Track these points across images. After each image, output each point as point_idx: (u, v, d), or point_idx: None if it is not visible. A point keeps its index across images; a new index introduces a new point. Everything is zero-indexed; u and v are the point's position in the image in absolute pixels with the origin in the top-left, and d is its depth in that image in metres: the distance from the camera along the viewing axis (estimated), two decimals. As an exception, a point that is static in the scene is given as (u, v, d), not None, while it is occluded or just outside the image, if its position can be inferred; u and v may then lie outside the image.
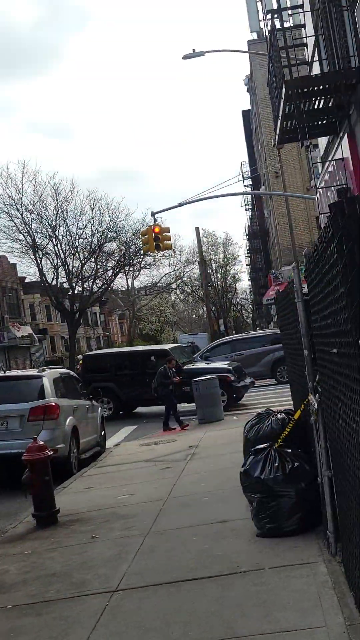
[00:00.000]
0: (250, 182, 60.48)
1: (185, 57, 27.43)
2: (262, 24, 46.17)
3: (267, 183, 50.40)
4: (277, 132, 15.24)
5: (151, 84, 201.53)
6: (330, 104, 13.63)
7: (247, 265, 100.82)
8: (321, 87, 12.94)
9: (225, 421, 20.63)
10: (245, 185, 63.79)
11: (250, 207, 72.19)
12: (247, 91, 59.43)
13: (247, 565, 6.74)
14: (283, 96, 12.92)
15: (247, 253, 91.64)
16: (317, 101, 13.39)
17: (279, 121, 14.56)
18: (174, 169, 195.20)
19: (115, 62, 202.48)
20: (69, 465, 14.38)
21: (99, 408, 18.37)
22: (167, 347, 26.48)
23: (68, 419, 14.71)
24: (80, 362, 29.17)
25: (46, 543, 8.86)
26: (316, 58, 15.50)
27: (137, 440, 19.28)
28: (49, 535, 9.22)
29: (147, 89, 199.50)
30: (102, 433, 18.23)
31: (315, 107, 13.72)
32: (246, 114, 62.80)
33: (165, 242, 30.99)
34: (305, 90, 12.61)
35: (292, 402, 11.32)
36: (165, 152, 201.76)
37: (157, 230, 30.62)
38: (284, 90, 12.68)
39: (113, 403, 24.49)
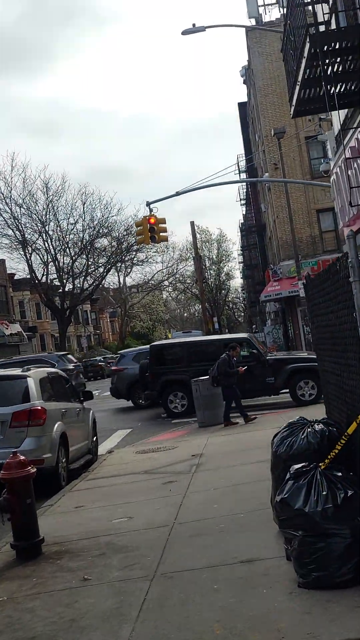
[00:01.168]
0: (246, 176, 58.62)
1: (184, 33, 25.63)
2: (260, 10, 44.69)
3: (264, 175, 48.65)
4: (294, 102, 13.51)
5: (142, 80, 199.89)
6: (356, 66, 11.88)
7: (240, 262, 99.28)
8: (349, 45, 11.19)
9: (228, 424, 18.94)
10: (240, 179, 62.00)
11: (245, 202, 70.44)
12: (244, 83, 57.71)
13: (294, 635, 4.99)
14: (305, 55, 11.16)
15: (241, 250, 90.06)
16: (344, 63, 11.63)
17: (297, 88, 12.81)
18: (166, 166, 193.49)
19: (103, 59, 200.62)
20: (56, 477, 12.64)
21: (91, 411, 16.62)
22: (245, 334, 24.48)
23: (56, 425, 12.97)
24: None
25: (27, 585, 7.09)
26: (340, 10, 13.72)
27: (132, 447, 17.53)
28: (31, 573, 7.46)
29: (139, 85, 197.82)
30: (94, 439, 16.50)
31: (341, 69, 11.96)
32: (242, 106, 61.11)
33: (161, 233, 29.23)
34: (333, 47, 10.85)
35: (324, 409, 9.57)
36: (158, 149, 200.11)
37: (152, 221, 28.87)
38: (307, 47, 10.92)
39: (188, 398, 21.88)
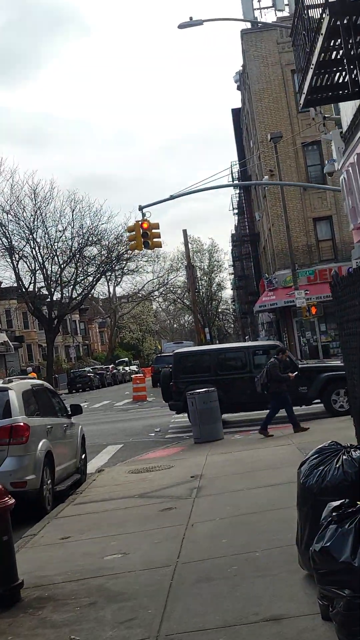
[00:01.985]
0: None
1: (181, 26, 24.47)
2: (256, 13, 43.69)
3: (264, 179, 47.53)
4: (305, 90, 12.28)
5: (130, 90, 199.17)
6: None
7: (230, 274, 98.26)
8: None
9: (225, 441, 17.73)
10: (234, 187, 60.96)
11: (237, 211, 69.32)
12: (238, 89, 56.65)
13: None
14: (323, 31, 9.95)
15: (232, 261, 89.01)
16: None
17: (310, 73, 11.61)
18: (156, 176, 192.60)
19: (90, 69, 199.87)
20: (41, 501, 11.35)
21: (80, 426, 15.32)
22: (272, 342, 23.04)
23: (41, 443, 11.69)
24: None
25: (0, 646, 5.81)
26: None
27: (124, 465, 16.23)
28: (6, 629, 6.16)
29: (127, 94, 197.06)
30: (83, 456, 15.19)
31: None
32: (236, 113, 60.05)
33: (154, 239, 27.99)
34: (356, 20, 9.62)
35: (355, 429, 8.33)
36: (146, 159, 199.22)
37: (145, 226, 27.63)
38: (326, 20, 9.71)
39: None
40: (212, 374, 21.04)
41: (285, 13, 42.71)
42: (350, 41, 9.39)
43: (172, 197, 27.62)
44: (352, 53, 9.64)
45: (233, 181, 54.70)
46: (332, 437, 15.32)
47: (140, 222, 27.63)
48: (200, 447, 17.17)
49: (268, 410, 17.88)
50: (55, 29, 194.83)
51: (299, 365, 20.81)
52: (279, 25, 32.41)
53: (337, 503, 5.12)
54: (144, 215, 27.87)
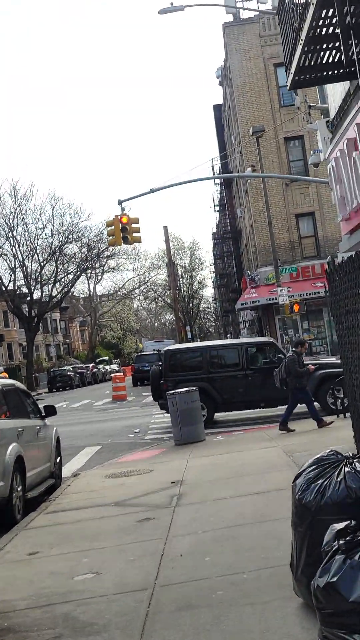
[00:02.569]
0: (221, 180, 56.84)
1: (161, 12, 23.63)
2: (238, 4, 42.88)
3: (241, 179, 46.82)
4: (293, 69, 11.50)
5: (111, 85, 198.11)
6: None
7: (211, 272, 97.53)
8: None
9: (207, 442, 16.95)
10: (216, 184, 60.28)
11: (219, 208, 68.56)
12: (220, 84, 55.93)
13: None
14: (315, 0, 9.16)
15: (213, 259, 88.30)
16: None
17: (299, 50, 10.83)
18: (136, 175, 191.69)
19: (66, 62, 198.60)
20: (10, 510, 10.51)
21: (54, 428, 14.48)
22: (265, 339, 22.30)
23: (10, 447, 10.86)
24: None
25: None
26: None
27: (101, 468, 15.42)
28: None
29: (107, 88, 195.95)
30: (58, 460, 14.34)
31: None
32: (217, 109, 59.31)
33: (134, 234, 27.14)
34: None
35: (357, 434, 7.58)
36: (130, 156, 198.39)
37: (124, 220, 26.79)
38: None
39: (207, 408, 19.73)
40: (204, 372, 20.33)
41: (268, 6, 42.00)
42: (345, 10, 8.59)
43: (152, 191, 26.79)
44: (347, 22, 8.84)
45: (214, 179, 53.95)
46: (324, 438, 14.65)
47: (119, 217, 26.78)
48: (181, 449, 16.40)
49: (286, 405, 17.21)
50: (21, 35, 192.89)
51: None
52: (264, 11, 31.52)
53: (341, 525, 4.36)
54: (123, 209, 27.03)
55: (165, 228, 47.61)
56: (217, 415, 21.26)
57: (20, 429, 11.57)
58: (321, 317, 41.41)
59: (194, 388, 17.83)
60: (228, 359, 20.80)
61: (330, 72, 11.99)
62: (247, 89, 41.92)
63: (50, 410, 14.01)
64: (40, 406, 14.15)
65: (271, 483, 10.47)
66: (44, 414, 13.78)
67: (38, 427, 12.91)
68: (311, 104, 20.75)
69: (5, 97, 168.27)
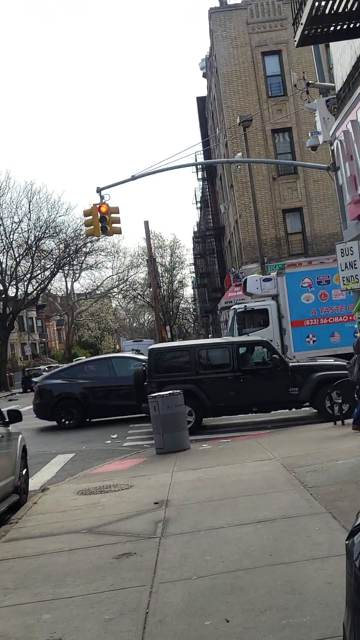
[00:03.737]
0: (205, 173, 55.08)
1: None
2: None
3: (225, 172, 45.14)
4: (303, 19, 9.76)
5: (91, 81, 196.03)
6: None
7: (191, 272, 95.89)
8: None
9: (192, 452, 15.22)
10: (199, 179, 58.56)
11: (200, 205, 66.81)
12: (204, 76, 54.22)
13: None
14: None
15: (193, 258, 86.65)
16: None
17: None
18: (116, 170, 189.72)
19: (47, 53, 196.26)
20: None
21: (20, 436, 12.65)
22: (257, 338, 20.65)
23: None
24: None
25: None
26: None
27: (73, 480, 13.59)
28: None
29: (87, 85, 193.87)
30: (24, 471, 12.51)
31: None
32: (201, 101, 57.57)
33: (113, 224, 25.30)
34: None
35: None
36: (110, 152, 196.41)
37: (103, 209, 24.92)
38: None
39: (195, 413, 18.26)
40: (192, 373, 18.60)
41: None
42: None
43: (134, 177, 24.97)
44: None
45: (197, 172, 52.26)
46: (325, 449, 12.97)
47: (98, 206, 24.93)
48: (164, 459, 14.64)
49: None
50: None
51: (290, 364, 18.51)
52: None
53: None
54: (102, 197, 25.17)
55: (146, 223, 45.79)
56: (203, 420, 19.55)
57: (-24, 439, 9.74)
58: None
59: (178, 391, 16.07)
60: (218, 359, 19.07)
61: (344, 26, 10.28)
62: (234, 78, 40.23)
63: (15, 416, 12.17)
64: (4, 410, 12.33)
65: (275, 508, 8.72)
66: (7, 420, 11.96)
67: (0, 436, 11.07)
68: (310, 82, 19.08)
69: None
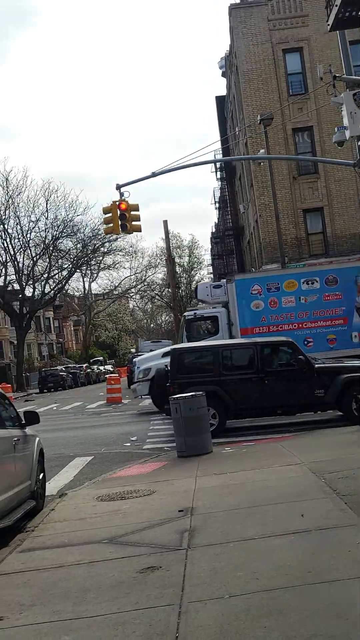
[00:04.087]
0: (225, 173, 54.46)
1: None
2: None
3: (245, 171, 44.56)
4: (338, 1, 9.20)
5: (108, 82, 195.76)
6: None
7: (209, 274, 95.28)
8: None
9: (215, 455, 14.72)
10: (217, 179, 58.00)
11: (219, 206, 66.22)
12: (223, 75, 53.63)
13: None
14: None
15: (211, 259, 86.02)
16: None
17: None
18: (134, 174, 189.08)
19: (65, 59, 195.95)
20: (-28, 548, 8.20)
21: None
22: (283, 338, 20.18)
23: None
24: None
25: None
26: None
27: (92, 486, 13.09)
28: None
29: (104, 86, 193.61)
30: (41, 476, 12.03)
31: None
32: (220, 101, 56.97)
33: (133, 222, 24.84)
34: None
35: None
36: (120, 157, 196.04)
37: (123, 206, 24.48)
38: None
39: (219, 415, 17.74)
40: (216, 374, 18.10)
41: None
42: None
43: (154, 174, 24.48)
44: None
45: (217, 171, 51.70)
46: (354, 452, 12.37)
47: (117, 203, 24.47)
48: (186, 463, 14.14)
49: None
50: (19, 19, 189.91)
51: (315, 365, 17.96)
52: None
53: None
54: (122, 195, 24.72)
55: (165, 222, 45.39)
56: (234, 422, 19.09)
57: (-9, 442, 9.25)
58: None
59: (201, 393, 15.57)
60: (242, 359, 18.56)
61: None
62: (254, 76, 39.63)
63: (32, 418, 11.69)
64: (20, 412, 11.86)
65: (308, 518, 8.17)
66: (23, 422, 11.48)
67: (15, 439, 10.57)
68: (336, 75, 18.49)
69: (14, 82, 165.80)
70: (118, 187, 24.69)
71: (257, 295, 26.36)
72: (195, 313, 28.10)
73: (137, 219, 24.91)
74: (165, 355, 27.06)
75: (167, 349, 29.45)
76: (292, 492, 9.82)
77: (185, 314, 29.62)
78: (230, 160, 46.60)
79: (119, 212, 24.16)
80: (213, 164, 53.84)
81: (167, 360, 25.56)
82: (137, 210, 24.81)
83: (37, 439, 12.16)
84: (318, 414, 18.58)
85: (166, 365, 19.48)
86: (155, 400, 19.72)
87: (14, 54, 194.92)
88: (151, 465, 14.80)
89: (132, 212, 24.61)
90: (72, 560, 7.78)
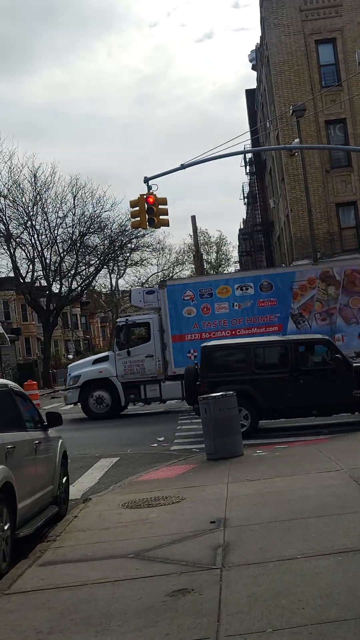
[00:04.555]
0: (255, 167, 53.60)
1: None
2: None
3: (276, 165, 43.70)
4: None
5: (130, 84, 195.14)
6: None
7: (236, 270, 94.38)
8: None
9: (247, 458, 14.02)
10: (247, 173, 57.11)
11: (249, 200, 65.35)
12: (253, 68, 52.80)
13: None
14: None
15: (238, 256, 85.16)
16: None
17: None
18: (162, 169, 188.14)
19: (87, 61, 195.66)
20: (-11, 559, 7.55)
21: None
22: (319, 336, 19.52)
23: (-6, 471, 7.89)
24: None
25: None
26: None
27: (117, 490, 12.42)
28: None
29: (128, 88, 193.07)
30: (64, 479, 11.39)
31: None
32: (250, 94, 56.12)
33: (161, 216, 24.14)
34: None
35: None
36: (145, 155, 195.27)
37: (151, 200, 23.77)
38: None
39: (251, 415, 17.12)
40: (248, 373, 17.39)
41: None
42: None
43: (183, 166, 23.75)
44: None
45: (246, 166, 50.86)
46: None
47: (145, 196, 23.78)
48: (216, 466, 13.45)
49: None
50: (48, 20, 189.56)
51: (354, 364, 17.17)
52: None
53: None
54: (149, 188, 24.02)
55: (193, 218, 44.78)
56: (265, 422, 18.38)
57: (10, 446, 8.58)
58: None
59: (232, 392, 14.85)
60: (276, 358, 17.86)
61: None
62: (286, 67, 38.75)
63: (55, 419, 11.02)
64: (43, 413, 11.20)
65: (356, 534, 7.42)
66: (46, 423, 10.83)
67: (37, 441, 9.92)
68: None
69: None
70: (146, 180, 24.00)
71: (189, 302, 25.87)
72: (127, 319, 27.33)
73: (165, 213, 24.22)
74: (96, 362, 27.23)
75: (99, 355, 29.28)
76: (335, 503, 9.07)
77: (118, 320, 29.10)
78: (262, 151, 45.65)
79: (146, 206, 23.46)
80: (243, 158, 53.01)
81: (98, 366, 26.55)
82: (165, 204, 24.11)
83: (60, 440, 11.51)
84: (355, 415, 17.76)
85: (196, 363, 18.80)
86: (188, 400, 19.21)
87: (41, 50, 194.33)
88: (179, 468, 14.12)
89: (160, 206, 23.91)
90: (95, 578, 7.09)
